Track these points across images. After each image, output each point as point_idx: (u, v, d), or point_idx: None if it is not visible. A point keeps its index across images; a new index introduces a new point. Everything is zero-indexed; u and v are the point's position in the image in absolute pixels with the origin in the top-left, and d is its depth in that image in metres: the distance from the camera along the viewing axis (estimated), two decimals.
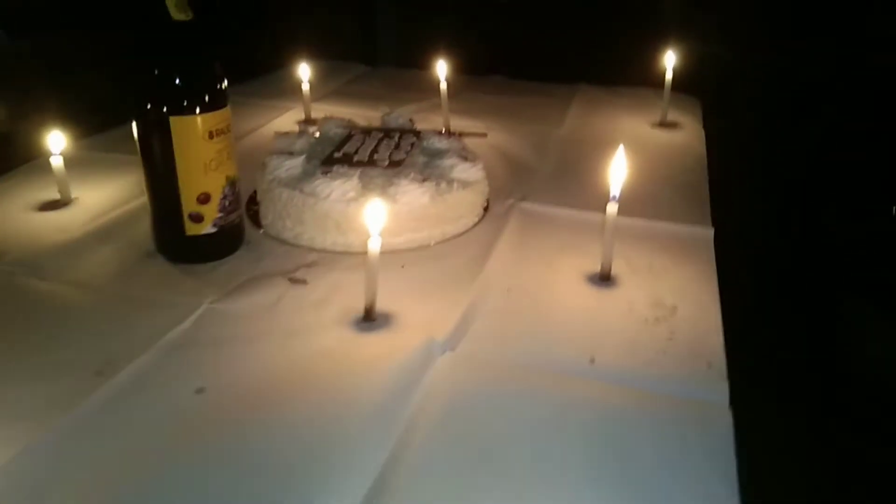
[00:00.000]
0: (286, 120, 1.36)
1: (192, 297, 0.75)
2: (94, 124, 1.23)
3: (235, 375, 0.64)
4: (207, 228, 0.81)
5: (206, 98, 0.76)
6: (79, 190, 0.99)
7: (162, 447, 0.55)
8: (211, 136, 0.77)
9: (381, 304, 0.74)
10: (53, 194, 0.97)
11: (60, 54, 1.68)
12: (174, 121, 0.75)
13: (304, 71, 1.34)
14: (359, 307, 0.73)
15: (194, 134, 0.76)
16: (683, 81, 1.33)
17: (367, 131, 1.06)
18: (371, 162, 0.94)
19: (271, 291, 0.77)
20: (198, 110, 0.76)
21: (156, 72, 0.74)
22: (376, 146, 1.00)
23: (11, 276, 0.78)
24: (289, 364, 0.65)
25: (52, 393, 0.60)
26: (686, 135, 1.30)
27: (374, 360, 0.66)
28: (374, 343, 0.69)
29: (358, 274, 0.79)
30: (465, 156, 0.96)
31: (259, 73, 1.63)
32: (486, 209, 0.97)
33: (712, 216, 0.96)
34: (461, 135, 1.15)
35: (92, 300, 0.75)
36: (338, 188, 0.86)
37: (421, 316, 0.73)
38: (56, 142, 0.95)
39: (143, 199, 0.82)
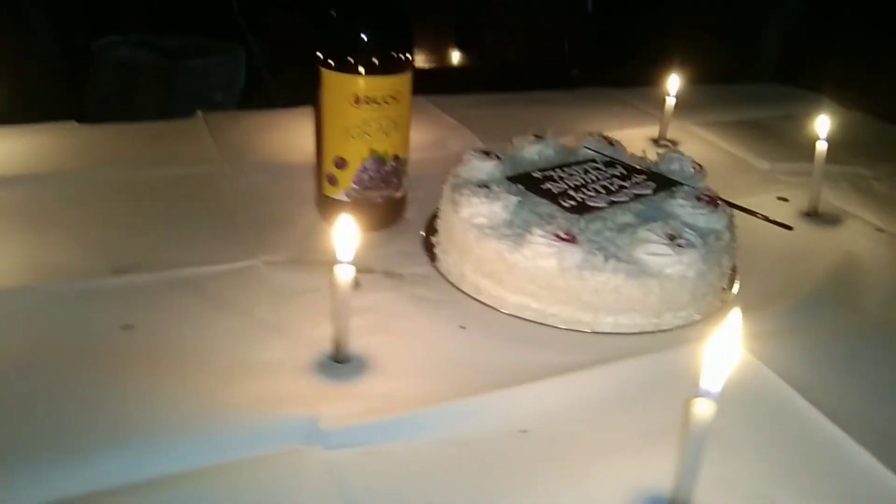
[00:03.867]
0: (636, 133, 1.15)
1: (262, 250, 0.72)
2: None
3: (172, 329, 0.60)
4: (340, 195, 0.76)
5: (357, 60, 0.70)
6: None
7: (61, 360, 0.57)
8: (357, 101, 0.71)
9: (376, 354, 0.59)
10: None
11: None
12: (324, 73, 0.71)
13: (672, 83, 1.09)
14: (366, 344, 0.60)
15: (338, 94, 0.71)
16: None
17: (612, 163, 0.81)
18: (558, 196, 0.72)
19: (323, 278, 0.68)
20: (344, 70, 0.70)
21: (325, 20, 0.71)
22: (595, 181, 0.76)
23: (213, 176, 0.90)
24: (218, 345, 0.59)
25: (75, 264, 0.67)
26: None
27: (267, 397, 0.53)
28: (294, 382, 0.55)
29: (440, 311, 0.65)
30: (679, 236, 0.65)
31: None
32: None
33: None
34: (763, 218, 0.78)
35: (216, 213, 0.80)
36: (472, 206, 0.69)
37: (385, 389, 0.55)
38: None
39: None
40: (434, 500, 0.46)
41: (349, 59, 0.70)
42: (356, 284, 0.68)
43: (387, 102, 0.72)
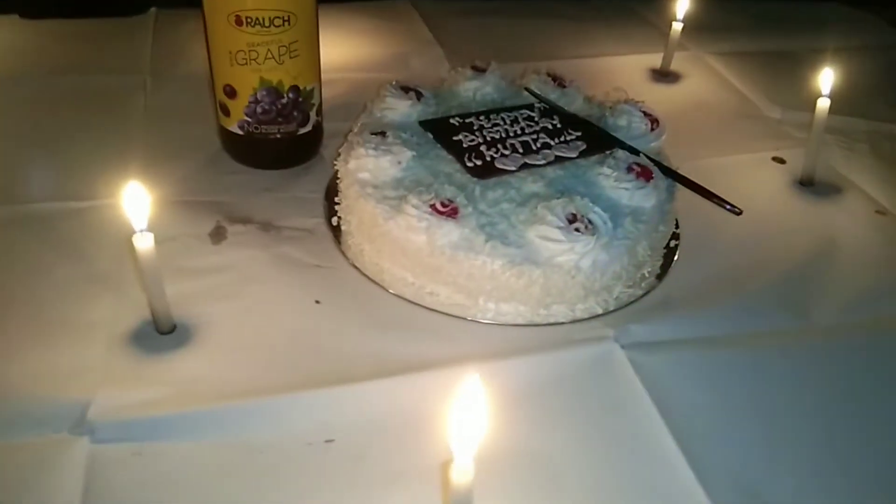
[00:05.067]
0: (636, 61, 0.99)
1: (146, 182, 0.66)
2: None
3: None
4: (234, 127, 0.68)
5: None
6: None
7: None
8: (239, 22, 0.61)
9: (208, 326, 0.53)
10: None
11: None
12: None
13: (680, 4, 0.92)
14: (202, 312, 0.54)
15: (219, 12, 0.62)
16: None
17: (551, 112, 0.68)
18: (465, 152, 0.62)
19: (191, 224, 0.62)
20: None
21: None
22: (517, 135, 0.64)
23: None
24: (39, 299, 0.54)
25: None
26: None
27: (58, 371, 0.48)
28: (99, 354, 0.50)
29: (304, 279, 0.58)
30: (580, 218, 0.54)
31: None
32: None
33: None
34: (715, 198, 0.64)
35: (110, 136, 0.74)
36: (358, 158, 0.60)
37: (194, 373, 0.49)
38: None
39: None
40: None
41: None
42: (219, 237, 0.62)
43: (275, 25, 0.62)
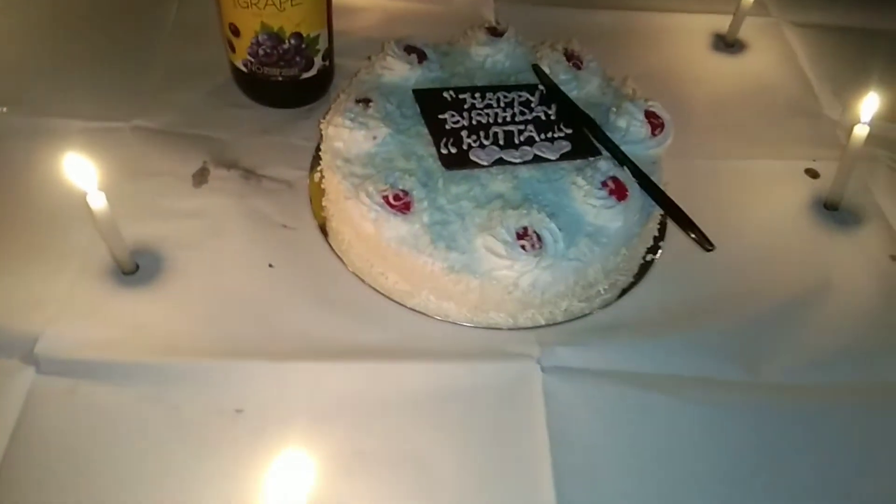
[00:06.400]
0: (703, 22, 0.90)
1: (145, 110, 0.69)
2: None
3: None
4: (239, 64, 0.69)
5: None
6: None
7: None
8: None
9: (168, 272, 0.58)
10: None
11: None
12: None
13: None
14: (167, 256, 0.58)
15: None
16: None
17: (551, 98, 0.64)
18: (445, 135, 0.60)
19: (186, 161, 0.65)
20: None
21: None
22: (505, 123, 0.62)
23: None
24: (21, 219, 0.59)
25: None
26: None
27: (24, 297, 0.54)
28: (66, 285, 0.55)
29: (269, 238, 0.61)
30: (530, 234, 0.53)
31: None
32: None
33: None
34: (690, 228, 0.59)
35: (129, 52, 0.76)
36: (336, 126, 0.60)
37: (143, 319, 0.54)
38: None
39: None
40: (97, 455, 0.47)
41: None
42: (201, 180, 0.65)
43: None
